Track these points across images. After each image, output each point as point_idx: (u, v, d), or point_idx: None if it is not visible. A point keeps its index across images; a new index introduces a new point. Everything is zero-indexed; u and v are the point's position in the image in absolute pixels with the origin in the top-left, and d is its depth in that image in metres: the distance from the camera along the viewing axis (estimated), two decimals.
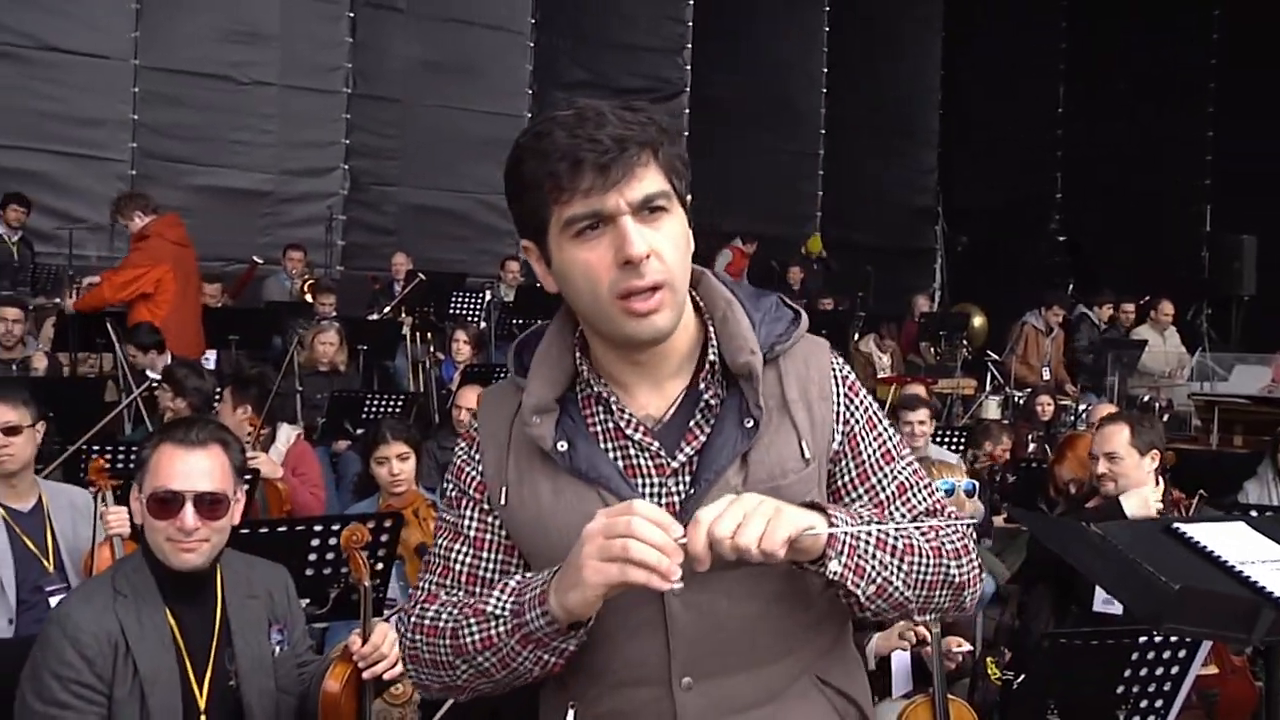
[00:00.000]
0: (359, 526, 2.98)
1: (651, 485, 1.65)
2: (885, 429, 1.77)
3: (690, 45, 14.86)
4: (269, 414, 5.53)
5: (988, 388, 10.71)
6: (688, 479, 1.65)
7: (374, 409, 7.22)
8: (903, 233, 16.37)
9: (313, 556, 3.67)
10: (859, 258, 14.47)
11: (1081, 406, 9.97)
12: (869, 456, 1.74)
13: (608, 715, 1.70)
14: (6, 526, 3.93)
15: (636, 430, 1.67)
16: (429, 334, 10.12)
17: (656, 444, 1.66)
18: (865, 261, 14.28)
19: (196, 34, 11.79)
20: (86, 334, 7.97)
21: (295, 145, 12.43)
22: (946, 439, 7.61)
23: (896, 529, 1.64)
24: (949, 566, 1.68)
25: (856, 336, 12.15)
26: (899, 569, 1.64)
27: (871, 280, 13.98)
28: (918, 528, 1.67)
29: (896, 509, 1.73)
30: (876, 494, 1.73)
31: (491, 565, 1.72)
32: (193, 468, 2.66)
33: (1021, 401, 9.93)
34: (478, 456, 1.73)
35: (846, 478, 1.73)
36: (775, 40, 15.39)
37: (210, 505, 2.66)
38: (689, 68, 14.91)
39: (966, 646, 3.71)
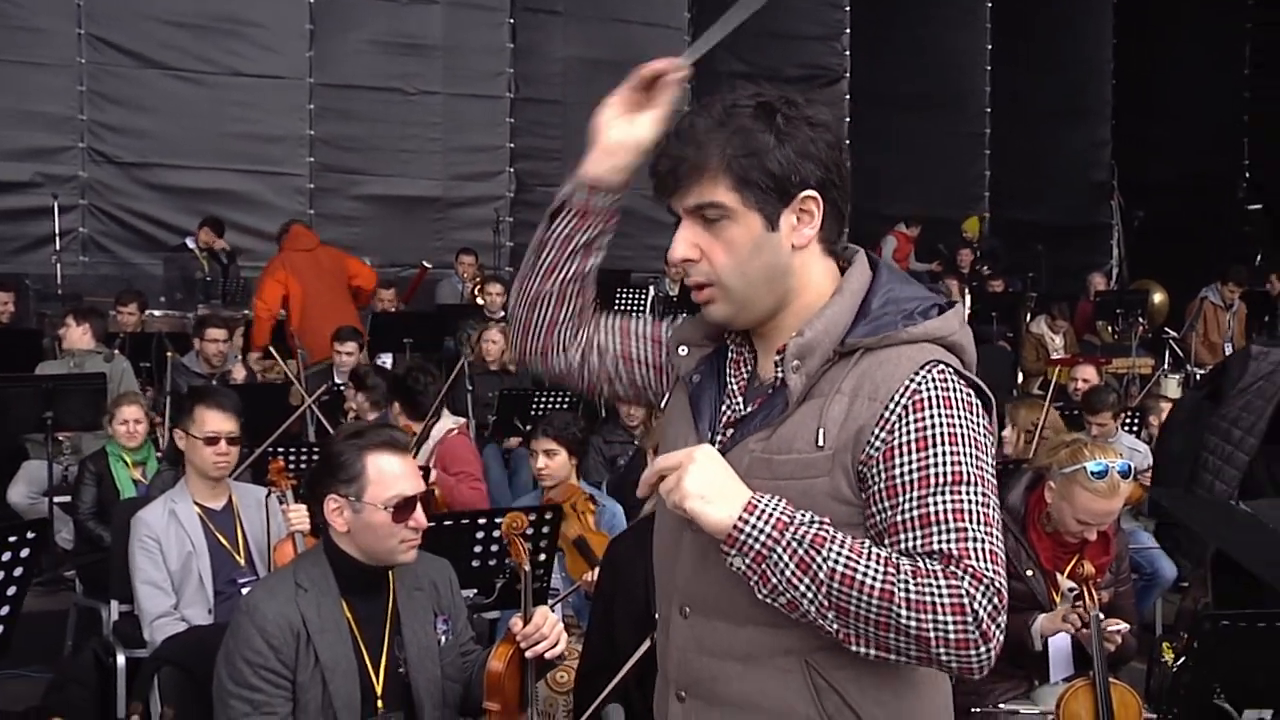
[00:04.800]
0: (519, 515, 3.10)
1: (717, 431, 1.87)
2: (943, 455, 1.68)
3: (849, 30, 14.71)
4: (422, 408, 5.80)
5: (1165, 365, 10.31)
6: (730, 433, 1.85)
7: (542, 405, 7.42)
8: (1076, 210, 15.84)
9: (478, 548, 3.87)
10: (1030, 236, 14.09)
11: None
12: (903, 473, 1.68)
13: (659, 621, 1.96)
14: (203, 524, 4.26)
15: (739, 385, 1.89)
16: None
17: (740, 400, 1.88)
18: (1037, 240, 13.90)
19: (364, 49, 12.31)
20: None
21: (462, 151, 12.82)
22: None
23: (834, 557, 1.63)
24: (899, 613, 1.60)
25: (1028, 317, 11.86)
26: (817, 593, 1.64)
27: (1043, 259, 13.59)
28: (877, 566, 1.63)
29: (912, 536, 1.66)
30: (897, 514, 1.68)
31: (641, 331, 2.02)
32: (409, 470, 2.87)
33: None
34: (681, 352, 1.95)
35: (876, 487, 1.71)
36: (935, 19, 15.09)
37: (425, 503, 2.91)
38: (848, 54, 14.76)
39: (1123, 626, 3.60)
